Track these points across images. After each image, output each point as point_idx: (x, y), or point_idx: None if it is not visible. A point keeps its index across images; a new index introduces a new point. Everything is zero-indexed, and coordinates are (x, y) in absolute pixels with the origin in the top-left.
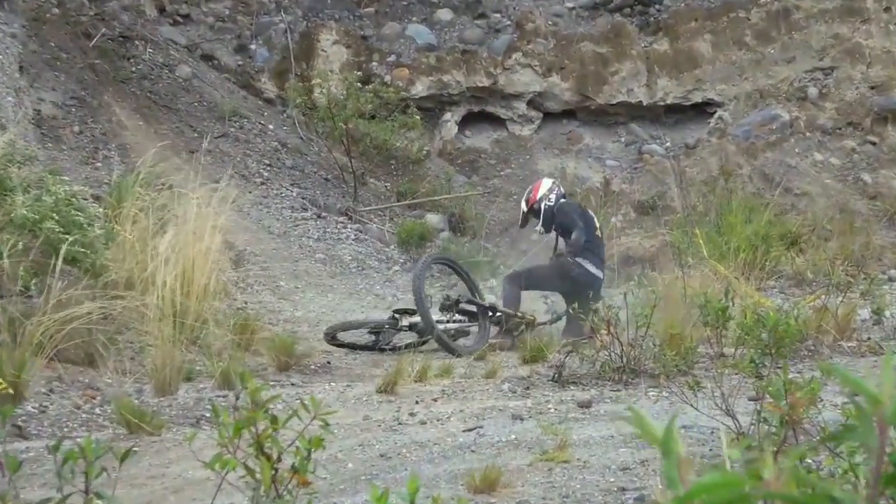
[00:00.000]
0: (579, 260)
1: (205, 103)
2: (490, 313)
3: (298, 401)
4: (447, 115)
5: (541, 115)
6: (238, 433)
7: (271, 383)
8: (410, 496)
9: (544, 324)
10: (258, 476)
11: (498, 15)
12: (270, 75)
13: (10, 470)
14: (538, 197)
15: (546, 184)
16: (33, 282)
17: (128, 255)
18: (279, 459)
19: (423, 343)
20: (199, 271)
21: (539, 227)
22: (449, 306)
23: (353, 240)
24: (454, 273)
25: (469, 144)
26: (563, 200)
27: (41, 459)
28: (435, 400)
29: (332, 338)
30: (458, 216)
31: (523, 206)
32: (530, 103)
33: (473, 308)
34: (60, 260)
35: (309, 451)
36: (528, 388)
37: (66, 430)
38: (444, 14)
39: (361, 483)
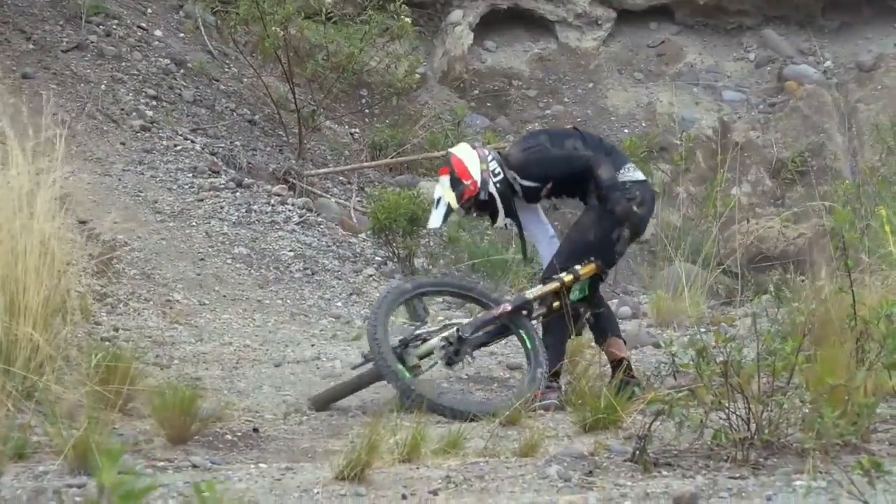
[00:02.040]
0: (626, 174)
1: None
2: (522, 317)
3: (207, 492)
4: (456, 15)
5: (614, 14)
6: None
7: (158, 464)
8: None
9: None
10: None
11: None
12: None
13: None
14: (477, 177)
15: (467, 153)
16: None
17: None
18: None
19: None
20: (34, 276)
21: (503, 220)
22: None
23: (298, 224)
24: (465, 300)
25: (493, 64)
26: (511, 154)
27: None
28: (434, 493)
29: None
30: None
31: (452, 203)
32: None
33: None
34: None
35: None
36: (590, 472)
37: None
38: None
39: None
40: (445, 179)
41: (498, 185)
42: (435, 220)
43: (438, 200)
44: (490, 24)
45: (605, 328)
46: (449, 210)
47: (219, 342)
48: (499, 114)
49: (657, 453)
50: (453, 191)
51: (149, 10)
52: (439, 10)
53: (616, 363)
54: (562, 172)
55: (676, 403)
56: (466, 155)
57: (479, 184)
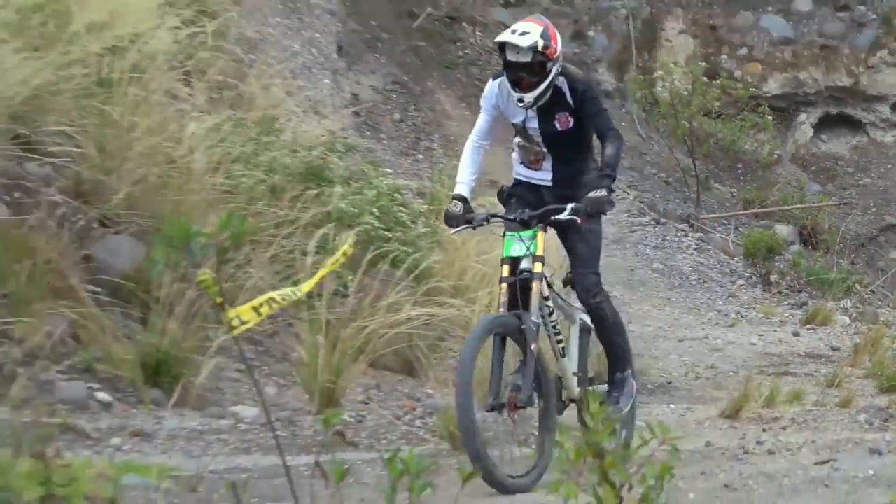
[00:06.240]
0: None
1: None
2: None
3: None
4: (802, 117)
5: None
6: (580, 458)
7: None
8: None
9: None
10: None
11: (863, 7)
12: (609, 65)
13: (336, 479)
14: (559, 48)
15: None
16: (350, 279)
17: (455, 258)
18: (624, 488)
19: None
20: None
21: (531, 100)
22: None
23: (695, 249)
24: None
25: (825, 150)
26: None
27: (356, 471)
28: (784, 428)
29: None
30: (809, 228)
31: (539, 47)
32: None
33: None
34: (387, 262)
35: (659, 479)
36: (886, 419)
37: (384, 441)
38: (803, 4)
39: None
40: (535, 27)
41: (558, 72)
42: (525, 40)
43: (525, 33)
44: (824, 123)
45: None
46: (535, 50)
47: (641, 324)
48: (827, 182)
49: None
50: (542, 39)
51: None
52: (791, 113)
53: None
54: (595, 113)
55: None
56: (555, 29)
57: (558, 53)
